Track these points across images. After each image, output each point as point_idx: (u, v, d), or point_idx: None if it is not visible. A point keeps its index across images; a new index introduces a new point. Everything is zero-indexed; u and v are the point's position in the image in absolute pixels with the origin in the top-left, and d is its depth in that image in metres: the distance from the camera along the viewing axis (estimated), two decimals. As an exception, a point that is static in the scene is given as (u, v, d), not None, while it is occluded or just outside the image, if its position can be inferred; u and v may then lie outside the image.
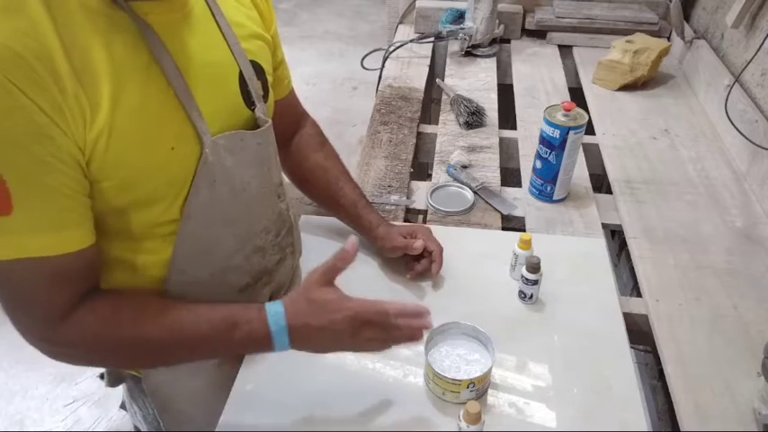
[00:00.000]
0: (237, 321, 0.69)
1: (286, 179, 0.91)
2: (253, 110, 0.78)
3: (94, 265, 0.69)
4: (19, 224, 0.58)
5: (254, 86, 0.78)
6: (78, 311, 0.66)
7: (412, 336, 0.73)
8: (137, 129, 0.63)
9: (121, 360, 0.74)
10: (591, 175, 1.29)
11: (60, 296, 0.65)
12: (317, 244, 1.05)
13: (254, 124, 0.79)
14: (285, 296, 0.72)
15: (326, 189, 1.00)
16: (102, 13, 0.61)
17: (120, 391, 0.97)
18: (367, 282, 0.99)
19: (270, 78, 0.83)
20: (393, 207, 1.17)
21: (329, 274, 0.72)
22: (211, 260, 0.78)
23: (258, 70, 0.79)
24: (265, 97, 0.81)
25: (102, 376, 0.91)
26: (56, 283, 0.64)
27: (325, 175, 1.00)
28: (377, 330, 0.71)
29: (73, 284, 0.66)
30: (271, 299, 0.90)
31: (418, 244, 0.96)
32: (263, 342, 0.69)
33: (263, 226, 0.83)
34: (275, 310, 0.69)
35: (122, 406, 0.99)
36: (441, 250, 0.98)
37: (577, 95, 1.59)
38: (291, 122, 1.00)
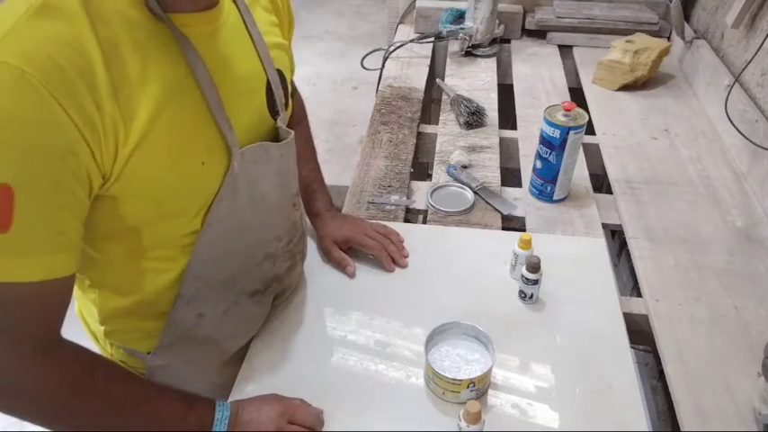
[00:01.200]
0: (193, 407, 0.70)
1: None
2: (276, 119, 0.78)
3: (69, 297, 0.64)
4: (12, 245, 0.55)
5: (279, 96, 0.77)
6: (60, 353, 0.63)
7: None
8: (170, 143, 0.63)
9: (74, 418, 0.65)
10: (591, 175, 1.29)
11: (46, 326, 0.61)
12: (316, 243, 1.05)
13: (275, 133, 0.79)
14: (236, 401, 0.75)
15: None
16: (142, 24, 0.59)
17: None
18: (367, 281, 1.00)
19: (290, 87, 0.83)
20: (393, 207, 1.17)
21: (289, 411, 0.75)
22: (225, 267, 0.78)
23: (282, 78, 0.79)
24: (286, 105, 0.81)
25: None
26: (43, 311, 0.60)
27: None
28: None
29: (57, 313, 0.62)
30: (275, 299, 0.91)
31: (349, 271, 0.99)
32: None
33: (275, 234, 0.84)
34: (223, 409, 0.72)
35: None
36: (381, 246, 1.01)
37: (577, 95, 1.59)
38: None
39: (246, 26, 0.72)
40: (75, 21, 0.55)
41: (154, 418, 0.68)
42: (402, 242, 1.05)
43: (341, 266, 1.00)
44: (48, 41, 0.53)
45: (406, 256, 1.03)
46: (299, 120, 1.04)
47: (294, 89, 1.04)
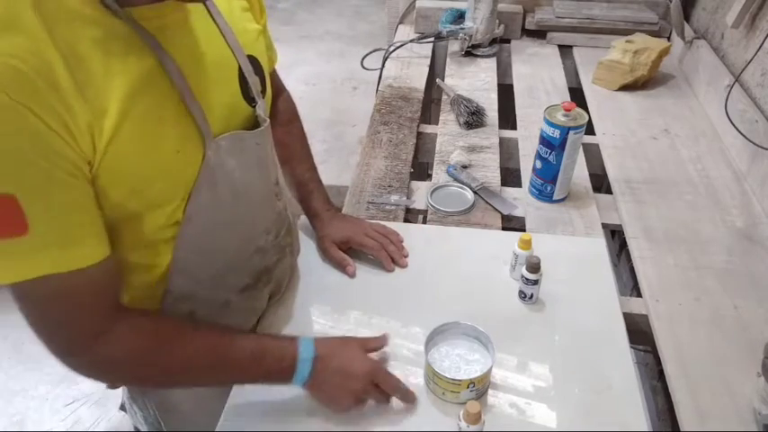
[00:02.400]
0: (268, 350, 0.74)
1: (281, 178, 0.91)
2: (253, 107, 0.77)
3: (115, 276, 0.68)
4: (38, 242, 0.57)
5: (254, 82, 0.77)
6: (117, 328, 0.66)
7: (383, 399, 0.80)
8: (143, 134, 0.63)
9: (160, 378, 0.73)
10: (591, 175, 1.29)
11: (91, 312, 0.65)
12: (316, 243, 1.05)
13: (254, 122, 0.78)
14: (318, 338, 0.78)
15: (282, 165, 1.00)
16: (99, 21, 0.59)
17: (119, 391, 0.97)
18: (367, 281, 1.00)
19: (267, 72, 0.83)
20: (393, 207, 1.17)
21: (366, 344, 0.81)
22: (212, 262, 0.78)
23: (255, 65, 0.78)
24: (263, 92, 0.80)
25: None
26: (84, 298, 0.63)
27: (281, 151, 0.99)
28: (380, 391, 0.78)
29: (100, 298, 0.65)
30: (270, 298, 0.91)
31: (350, 271, 1.00)
32: (286, 369, 0.74)
33: (263, 227, 0.84)
34: (307, 346, 0.75)
35: (122, 407, 0.99)
36: (380, 246, 1.01)
37: (577, 95, 1.59)
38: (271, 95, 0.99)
39: (211, 14, 0.72)
40: (30, 28, 0.55)
41: (229, 368, 0.73)
42: (402, 242, 1.05)
43: (341, 266, 1.00)
44: (4, 51, 0.53)
45: (405, 256, 1.03)
46: (291, 119, 1.04)
47: (282, 87, 1.03)
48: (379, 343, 0.83)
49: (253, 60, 0.78)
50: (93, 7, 0.59)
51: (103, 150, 0.60)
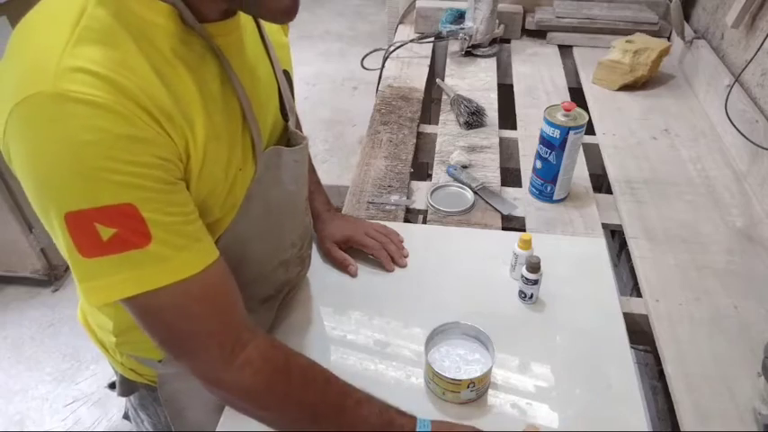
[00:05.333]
0: (394, 421, 0.70)
1: None
2: (286, 122, 0.77)
3: (234, 280, 0.66)
4: (162, 250, 0.56)
5: (288, 98, 0.77)
6: (249, 352, 0.64)
7: None
8: (220, 153, 0.63)
9: (278, 418, 0.69)
10: (591, 175, 1.29)
11: (220, 320, 0.63)
12: (316, 244, 1.05)
13: (286, 137, 0.78)
14: (435, 420, 0.74)
15: None
16: (176, 33, 0.58)
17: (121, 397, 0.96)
18: (367, 281, 1.00)
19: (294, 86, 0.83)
20: (393, 207, 1.17)
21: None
22: (240, 275, 0.77)
23: (288, 79, 0.78)
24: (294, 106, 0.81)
25: (112, 385, 0.91)
26: (212, 304, 0.62)
27: None
28: None
29: (226, 304, 0.64)
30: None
31: (351, 271, 1.00)
32: None
33: (290, 241, 0.84)
34: (425, 424, 0.71)
35: (125, 416, 0.99)
36: (381, 246, 1.01)
37: (577, 95, 1.59)
38: None
39: (260, 29, 0.72)
40: (120, 42, 0.54)
41: (354, 427, 0.69)
42: (402, 242, 1.05)
43: (342, 266, 1.01)
44: (100, 65, 0.52)
45: (405, 256, 1.03)
46: (297, 127, 1.04)
47: None
48: None
49: (286, 75, 0.78)
50: (168, 19, 0.57)
51: (194, 163, 0.59)
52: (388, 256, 1.01)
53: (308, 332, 0.91)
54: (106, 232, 0.53)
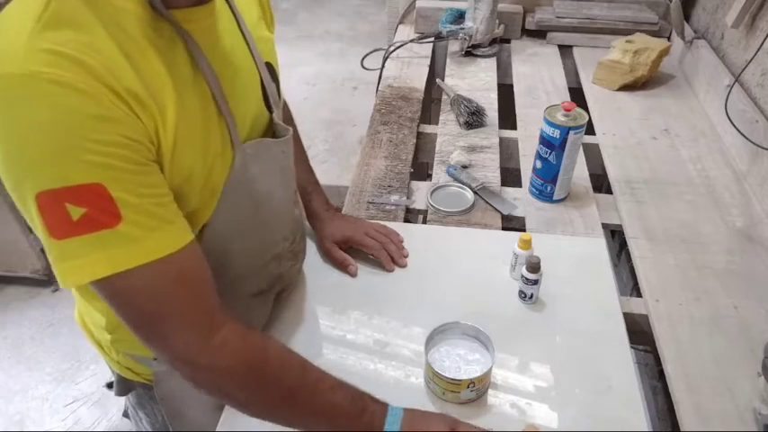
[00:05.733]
0: (367, 407, 0.70)
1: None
2: (271, 114, 0.77)
3: (207, 263, 0.65)
4: (133, 229, 0.56)
5: (272, 90, 0.77)
6: (224, 332, 0.63)
7: None
8: (195, 134, 0.63)
9: (257, 400, 0.68)
10: (591, 175, 1.29)
11: (194, 301, 0.62)
12: (316, 244, 1.05)
13: (271, 129, 0.78)
14: (408, 408, 0.73)
15: None
16: (145, 18, 0.59)
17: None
18: (367, 281, 1.00)
19: (280, 79, 0.83)
20: (393, 207, 1.17)
21: (457, 426, 0.72)
22: (230, 269, 0.77)
23: (272, 72, 0.78)
24: (279, 98, 0.81)
25: (110, 385, 0.91)
26: (184, 286, 0.61)
27: None
28: None
29: (207, 282, 0.64)
30: (275, 299, 0.91)
31: (351, 271, 1.00)
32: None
33: (281, 234, 0.84)
34: (396, 412, 0.71)
35: (125, 414, 0.99)
36: (381, 246, 1.01)
37: (577, 95, 1.59)
38: None
39: (237, 20, 0.72)
40: (88, 25, 0.54)
41: (328, 411, 0.69)
42: (402, 242, 1.05)
43: (342, 266, 1.00)
44: (68, 46, 0.52)
45: (405, 256, 1.03)
46: (287, 123, 1.04)
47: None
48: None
49: (269, 67, 0.78)
50: (137, 4, 0.58)
51: (165, 145, 0.59)
52: (388, 256, 1.01)
53: (307, 332, 0.91)
54: (76, 212, 0.53)
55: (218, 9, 0.68)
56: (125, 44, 0.56)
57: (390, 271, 1.00)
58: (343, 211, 1.14)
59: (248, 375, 0.65)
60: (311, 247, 1.05)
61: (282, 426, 0.70)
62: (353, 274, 1.00)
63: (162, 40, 0.60)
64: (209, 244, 0.72)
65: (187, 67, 0.63)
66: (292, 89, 3.35)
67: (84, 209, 0.53)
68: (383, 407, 0.71)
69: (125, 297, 0.59)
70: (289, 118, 1.04)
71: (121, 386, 0.90)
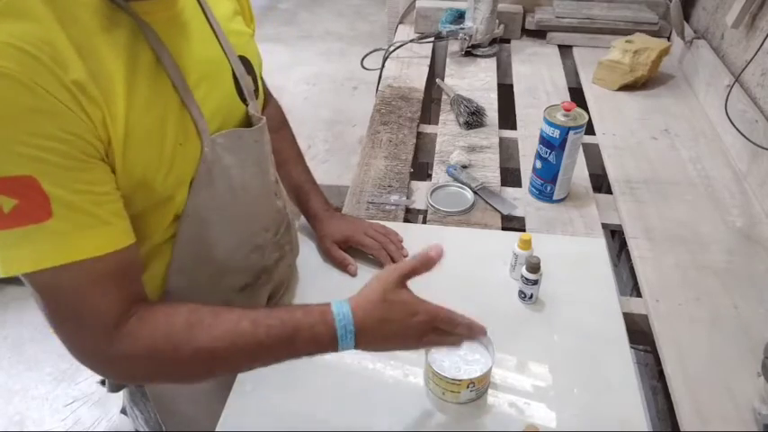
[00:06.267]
0: (299, 326, 0.65)
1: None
2: (246, 106, 0.78)
3: (136, 266, 0.66)
4: (62, 226, 0.56)
5: (246, 83, 0.77)
6: (130, 322, 0.62)
7: (468, 337, 0.72)
8: (148, 125, 0.63)
9: (179, 372, 0.67)
10: (591, 175, 1.29)
11: (110, 302, 0.62)
12: (315, 244, 1.05)
13: (247, 122, 0.79)
14: (354, 296, 0.68)
15: (277, 170, 0.99)
16: (103, 11, 0.60)
17: (120, 393, 0.97)
18: (366, 281, 0.99)
19: (258, 72, 0.83)
20: (393, 207, 1.17)
21: (406, 276, 0.69)
22: (210, 261, 0.78)
23: (247, 65, 0.79)
24: (256, 93, 0.81)
25: (102, 382, 0.91)
26: (104, 287, 0.61)
27: (277, 156, 0.98)
28: (442, 334, 0.70)
29: (120, 288, 0.63)
30: (270, 298, 0.91)
31: (351, 270, 0.99)
32: (326, 345, 0.66)
33: (262, 225, 0.84)
34: (342, 312, 0.66)
35: (123, 411, 0.99)
36: (380, 245, 1.00)
37: (577, 95, 1.59)
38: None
39: (205, 13, 0.73)
40: (40, 17, 0.55)
41: (259, 351, 0.66)
42: (401, 242, 1.05)
43: (342, 266, 1.00)
44: (16, 37, 0.53)
45: (405, 256, 1.03)
46: (280, 125, 1.04)
47: (270, 94, 1.03)
48: (422, 267, 0.69)
49: (245, 61, 0.78)
50: None
51: (114, 138, 0.60)
52: (388, 256, 1.01)
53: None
54: (8, 204, 0.54)
55: (181, 2, 0.68)
56: (77, 36, 0.57)
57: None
58: (343, 211, 1.14)
59: (156, 355, 0.63)
60: (311, 247, 1.05)
61: (224, 376, 0.69)
62: (353, 274, 1.00)
63: (121, 29, 0.61)
64: (187, 233, 0.72)
65: (147, 58, 0.63)
66: (292, 89, 3.35)
67: (16, 201, 0.54)
68: (323, 315, 0.65)
69: (44, 292, 0.59)
70: (280, 117, 1.04)
71: (113, 383, 0.90)
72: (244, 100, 0.77)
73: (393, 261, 1.01)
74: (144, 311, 0.64)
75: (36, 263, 0.56)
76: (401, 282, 0.68)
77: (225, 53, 0.74)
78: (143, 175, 0.64)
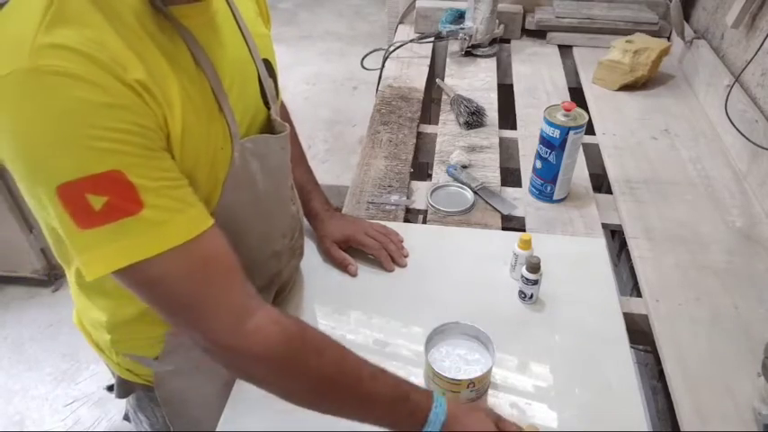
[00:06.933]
0: (409, 397, 0.68)
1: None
2: (269, 110, 0.78)
3: (231, 248, 0.64)
4: (156, 214, 0.56)
5: (269, 86, 0.77)
6: (258, 319, 0.62)
7: None
8: (199, 128, 0.63)
9: (294, 387, 0.67)
10: (591, 175, 1.29)
11: (225, 285, 0.61)
12: (316, 244, 1.05)
13: (269, 126, 0.78)
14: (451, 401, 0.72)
15: None
16: (147, 14, 0.60)
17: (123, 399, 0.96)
18: (366, 281, 1.00)
19: (278, 75, 0.83)
20: (393, 207, 1.17)
21: (499, 422, 0.72)
22: None
23: (269, 69, 0.79)
24: (277, 96, 0.81)
25: (110, 388, 0.91)
26: (214, 269, 0.61)
27: None
28: None
29: (229, 270, 0.62)
30: (276, 297, 0.91)
31: (351, 270, 1.00)
32: (415, 425, 0.68)
33: (280, 231, 0.84)
34: (441, 402, 0.69)
35: (126, 417, 0.99)
36: (381, 245, 1.00)
37: (577, 95, 1.59)
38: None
39: (234, 15, 0.73)
40: (92, 22, 0.55)
41: (368, 399, 0.67)
42: (402, 242, 1.05)
43: (342, 266, 1.01)
44: (75, 41, 0.53)
45: (405, 256, 1.03)
46: (284, 121, 1.04)
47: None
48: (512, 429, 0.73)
49: (267, 64, 0.78)
50: (142, 2, 0.59)
51: (173, 135, 0.60)
52: (388, 256, 1.01)
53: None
54: (97, 201, 0.53)
55: (215, 5, 0.68)
56: (129, 38, 0.57)
57: (390, 271, 1.00)
58: (343, 211, 1.14)
59: (283, 362, 0.64)
60: (311, 247, 1.05)
61: (322, 413, 0.68)
62: (353, 274, 1.00)
63: (163, 35, 0.61)
64: None
65: (188, 62, 0.63)
66: (292, 89, 3.36)
67: (106, 197, 0.54)
68: (427, 397, 0.69)
69: (156, 283, 0.59)
70: (285, 117, 1.04)
71: (122, 389, 0.90)
72: (266, 103, 0.77)
73: (394, 261, 1.01)
74: (269, 312, 0.64)
75: (137, 253, 0.56)
76: (496, 418, 0.72)
77: (252, 56, 0.74)
78: (190, 175, 0.63)
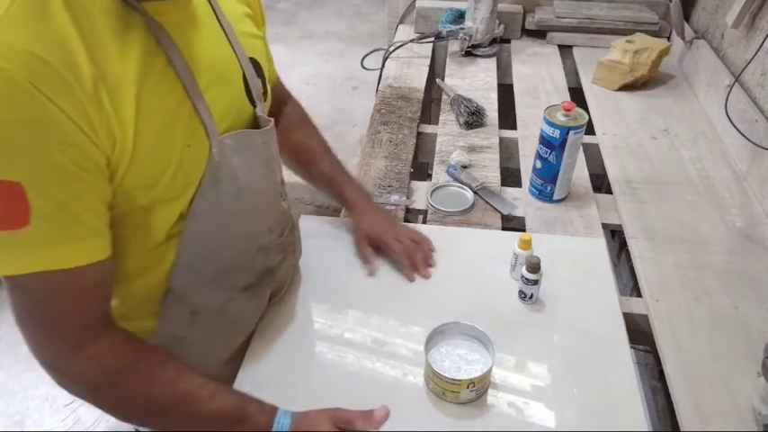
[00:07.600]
0: (247, 416, 0.71)
1: (285, 177, 0.92)
2: (255, 108, 0.78)
3: (110, 283, 0.68)
4: (36, 236, 0.57)
5: (255, 85, 0.78)
6: (98, 346, 0.65)
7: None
8: (157, 126, 0.63)
9: (123, 412, 0.71)
10: (591, 175, 1.29)
11: (80, 316, 0.64)
12: (317, 244, 1.05)
13: (255, 123, 0.79)
14: (296, 413, 0.74)
15: (307, 167, 1.03)
16: (117, 13, 0.60)
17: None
18: (366, 280, 1.00)
19: (267, 75, 0.84)
20: (393, 207, 1.17)
21: (341, 420, 0.74)
22: (216, 259, 0.78)
23: (257, 68, 0.79)
24: (265, 95, 0.81)
25: None
26: (75, 301, 0.63)
27: (305, 152, 1.02)
28: None
29: (91, 302, 0.65)
30: (271, 298, 0.91)
31: (368, 269, 1.00)
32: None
33: (267, 226, 0.84)
34: (284, 418, 0.72)
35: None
36: (406, 252, 1.00)
37: (577, 95, 1.59)
38: (276, 103, 0.99)
39: (216, 16, 0.73)
40: (55, 17, 0.55)
41: (205, 420, 0.70)
42: (432, 251, 1.04)
43: (363, 262, 1.01)
44: (28, 39, 0.53)
45: (430, 266, 1.01)
46: (303, 121, 1.05)
47: (289, 94, 1.04)
48: (363, 423, 0.76)
49: (254, 63, 0.79)
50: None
51: (120, 141, 0.60)
52: (411, 265, 1.00)
53: (305, 330, 0.91)
54: None
55: (194, 2, 0.68)
56: (90, 37, 0.57)
57: (410, 281, 0.99)
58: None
59: (108, 389, 0.67)
60: (311, 248, 1.05)
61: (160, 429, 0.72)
62: (370, 274, 1.00)
63: (133, 30, 0.61)
64: (193, 232, 0.73)
65: (160, 59, 0.63)
66: (292, 89, 3.35)
67: None
68: (268, 414, 0.72)
69: (17, 294, 0.61)
70: (302, 113, 1.05)
71: None
72: (252, 102, 0.78)
73: (416, 269, 1.00)
74: (109, 339, 0.66)
75: (6, 268, 0.58)
76: (335, 417, 0.74)
77: (236, 54, 0.75)
78: (149, 176, 0.64)
